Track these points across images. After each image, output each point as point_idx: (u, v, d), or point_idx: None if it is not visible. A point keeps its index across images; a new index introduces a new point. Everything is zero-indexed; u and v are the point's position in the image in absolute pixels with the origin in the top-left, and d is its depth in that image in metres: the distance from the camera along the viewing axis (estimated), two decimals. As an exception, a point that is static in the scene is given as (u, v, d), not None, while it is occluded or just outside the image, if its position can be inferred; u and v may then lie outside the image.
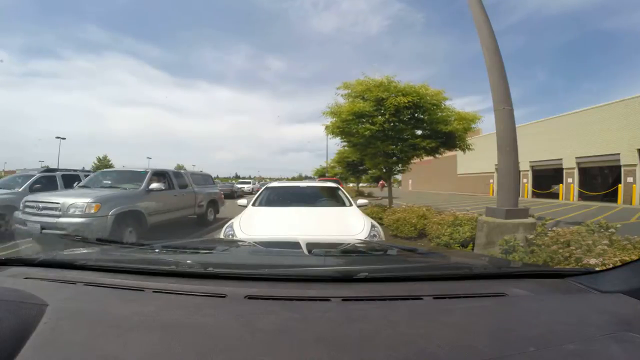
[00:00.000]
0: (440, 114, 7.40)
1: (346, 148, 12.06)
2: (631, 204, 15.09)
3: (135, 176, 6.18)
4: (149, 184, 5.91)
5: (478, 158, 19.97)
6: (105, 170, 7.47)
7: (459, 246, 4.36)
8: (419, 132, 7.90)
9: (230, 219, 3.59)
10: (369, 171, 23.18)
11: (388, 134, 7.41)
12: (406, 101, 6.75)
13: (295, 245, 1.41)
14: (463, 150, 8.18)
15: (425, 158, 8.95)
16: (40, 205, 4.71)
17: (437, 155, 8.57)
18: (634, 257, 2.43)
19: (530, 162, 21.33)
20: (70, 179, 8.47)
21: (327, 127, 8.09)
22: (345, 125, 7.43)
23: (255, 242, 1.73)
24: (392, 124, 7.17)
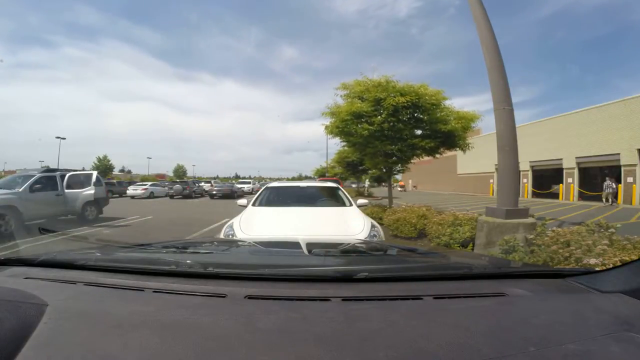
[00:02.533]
0: (439, 113, 7.41)
1: (346, 148, 12.08)
2: (631, 204, 15.10)
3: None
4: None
5: (478, 158, 20.01)
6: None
7: (459, 246, 4.36)
8: (419, 131, 7.91)
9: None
10: (369, 171, 23.18)
11: (387, 133, 7.41)
12: (404, 101, 6.76)
13: (295, 245, 1.41)
14: (463, 150, 8.19)
15: (425, 158, 8.96)
16: None
17: (436, 155, 8.57)
18: (634, 257, 2.43)
19: (530, 162, 21.34)
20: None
21: (326, 127, 8.12)
22: (344, 126, 7.45)
23: (255, 242, 1.73)
24: (390, 124, 7.17)
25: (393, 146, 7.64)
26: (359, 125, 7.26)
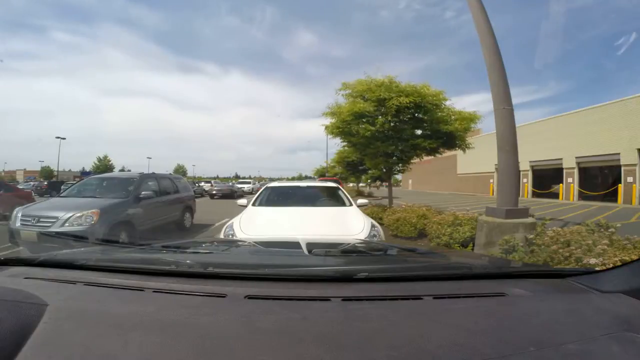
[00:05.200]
0: (440, 114, 7.41)
1: (346, 148, 12.07)
2: (631, 203, 15.09)
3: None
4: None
5: (478, 158, 19.99)
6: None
7: (459, 246, 4.37)
8: (419, 132, 7.91)
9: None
10: (369, 171, 23.15)
11: (388, 134, 7.41)
12: (408, 101, 6.76)
13: (295, 245, 1.41)
14: (463, 149, 8.20)
15: (426, 158, 8.97)
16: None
17: (437, 155, 8.59)
18: (634, 257, 2.43)
19: (530, 162, 21.33)
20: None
21: (327, 127, 8.12)
22: (345, 126, 7.46)
23: (255, 242, 1.73)
24: (392, 124, 7.16)
25: (394, 146, 7.63)
26: (361, 126, 7.26)
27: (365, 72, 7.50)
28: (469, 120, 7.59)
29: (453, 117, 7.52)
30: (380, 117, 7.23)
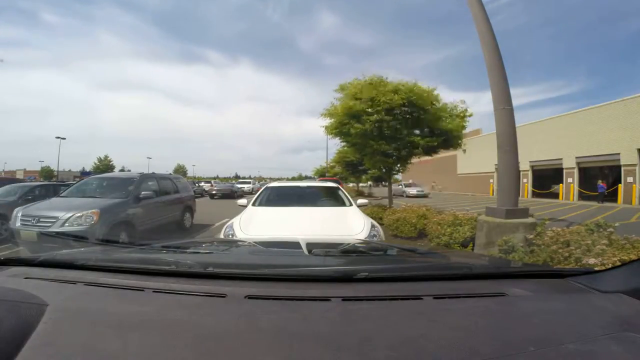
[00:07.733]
0: (439, 112, 7.39)
1: (346, 148, 12.10)
2: (631, 203, 15.11)
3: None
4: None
5: (478, 158, 20.02)
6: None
7: (459, 246, 4.37)
8: (417, 131, 7.92)
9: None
10: (369, 171, 23.17)
11: (385, 133, 7.42)
12: (399, 99, 6.76)
13: (295, 245, 1.41)
14: (455, 149, 8.22)
15: (424, 158, 8.98)
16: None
17: (433, 155, 8.61)
18: (633, 257, 2.43)
19: (530, 162, 21.36)
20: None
21: (326, 128, 8.17)
22: (341, 126, 7.50)
23: (255, 242, 1.73)
24: (386, 123, 7.17)
25: (388, 145, 7.64)
26: (355, 125, 7.29)
27: (363, 73, 7.54)
28: (459, 117, 7.61)
29: (445, 114, 7.52)
30: (374, 115, 7.21)
